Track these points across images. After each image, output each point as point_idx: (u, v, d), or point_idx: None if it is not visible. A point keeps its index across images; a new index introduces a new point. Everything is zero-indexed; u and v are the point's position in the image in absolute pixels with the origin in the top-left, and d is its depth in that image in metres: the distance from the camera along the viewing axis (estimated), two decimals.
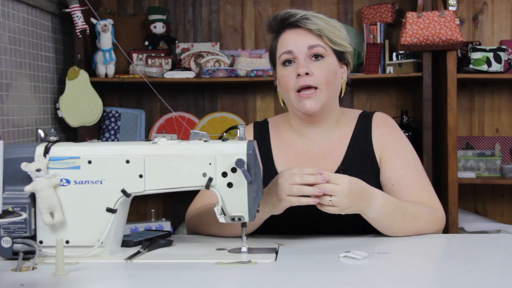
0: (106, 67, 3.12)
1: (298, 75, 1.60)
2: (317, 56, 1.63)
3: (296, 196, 1.43)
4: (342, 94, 1.71)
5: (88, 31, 2.99)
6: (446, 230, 2.88)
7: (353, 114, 1.74)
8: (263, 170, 1.45)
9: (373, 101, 3.41)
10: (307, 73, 1.60)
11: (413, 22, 2.88)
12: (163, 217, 3.39)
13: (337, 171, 1.63)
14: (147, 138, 3.30)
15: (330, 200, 1.42)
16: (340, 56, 1.67)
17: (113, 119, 3.32)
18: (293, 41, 1.64)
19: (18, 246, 1.34)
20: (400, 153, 1.66)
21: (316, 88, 1.61)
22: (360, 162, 1.66)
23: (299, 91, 1.62)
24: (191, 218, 1.69)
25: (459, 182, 2.99)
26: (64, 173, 1.38)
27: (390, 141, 1.68)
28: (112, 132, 3.31)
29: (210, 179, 1.36)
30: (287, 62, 1.64)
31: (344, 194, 1.42)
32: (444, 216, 1.63)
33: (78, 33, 2.97)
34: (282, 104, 1.74)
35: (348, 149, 1.67)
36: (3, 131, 2.48)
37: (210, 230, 1.62)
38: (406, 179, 1.62)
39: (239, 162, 1.34)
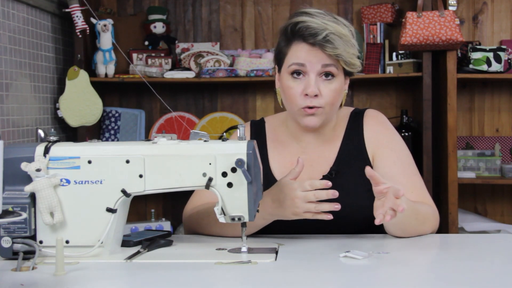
0: (106, 67, 3.12)
1: (306, 94, 1.57)
2: (327, 75, 1.58)
3: (312, 212, 1.45)
4: (342, 105, 1.70)
5: (88, 31, 2.99)
6: (446, 230, 2.89)
7: (345, 112, 1.73)
8: None
9: (373, 101, 3.41)
10: (316, 95, 1.57)
11: (413, 22, 2.88)
12: (163, 217, 3.39)
13: (330, 172, 1.64)
14: (147, 138, 3.30)
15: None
16: (348, 73, 1.64)
17: (113, 119, 3.32)
18: (306, 55, 1.57)
19: (18, 246, 1.34)
20: (393, 150, 1.66)
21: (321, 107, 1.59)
22: (352, 161, 1.65)
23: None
24: (189, 218, 1.69)
25: (459, 182, 2.99)
26: (64, 173, 1.38)
27: (382, 139, 1.67)
28: (112, 132, 3.31)
29: (210, 179, 1.36)
30: (296, 74, 1.59)
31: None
32: (438, 213, 1.64)
33: (78, 33, 2.97)
34: (280, 104, 1.73)
35: (340, 149, 1.67)
36: (3, 131, 2.48)
37: (210, 230, 1.62)
38: (400, 176, 1.61)
39: (239, 162, 1.34)
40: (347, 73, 1.64)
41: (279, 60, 1.66)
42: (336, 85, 1.59)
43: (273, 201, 1.49)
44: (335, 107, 1.63)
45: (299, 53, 1.58)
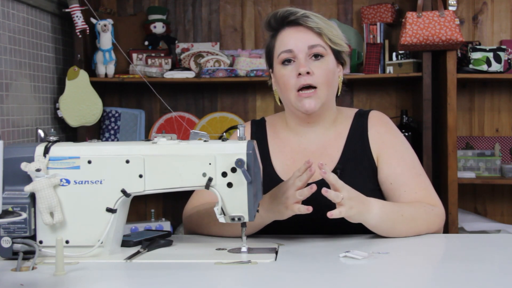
0: (106, 67, 3.12)
1: (299, 74, 1.60)
2: (317, 56, 1.63)
3: (297, 203, 1.45)
4: (339, 93, 1.72)
5: (88, 31, 2.99)
6: (446, 230, 2.89)
7: (349, 113, 1.75)
8: None
9: (373, 101, 3.41)
10: (308, 72, 1.60)
11: (413, 22, 2.89)
12: (163, 217, 3.39)
13: (335, 170, 1.64)
14: (147, 138, 3.30)
15: (342, 198, 1.43)
16: (338, 55, 1.68)
17: (113, 119, 3.32)
18: (293, 40, 1.64)
19: (18, 246, 1.34)
20: (398, 151, 1.66)
21: (315, 87, 1.61)
22: (357, 160, 1.66)
23: (299, 90, 1.62)
24: (189, 217, 1.69)
25: (459, 182, 2.99)
26: (64, 173, 1.38)
27: (387, 140, 1.68)
28: (112, 132, 3.31)
29: (210, 179, 1.36)
30: (287, 62, 1.64)
31: (347, 198, 1.44)
32: (443, 212, 1.63)
33: (78, 33, 2.97)
34: (278, 103, 1.74)
35: (344, 148, 1.68)
36: (3, 131, 2.48)
37: (210, 230, 1.62)
38: (404, 177, 1.62)
39: (239, 162, 1.34)
40: (337, 58, 1.68)
41: (269, 57, 1.72)
42: (327, 65, 1.64)
43: (270, 199, 1.50)
44: (330, 89, 1.65)
45: (285, 40, 1.65)
